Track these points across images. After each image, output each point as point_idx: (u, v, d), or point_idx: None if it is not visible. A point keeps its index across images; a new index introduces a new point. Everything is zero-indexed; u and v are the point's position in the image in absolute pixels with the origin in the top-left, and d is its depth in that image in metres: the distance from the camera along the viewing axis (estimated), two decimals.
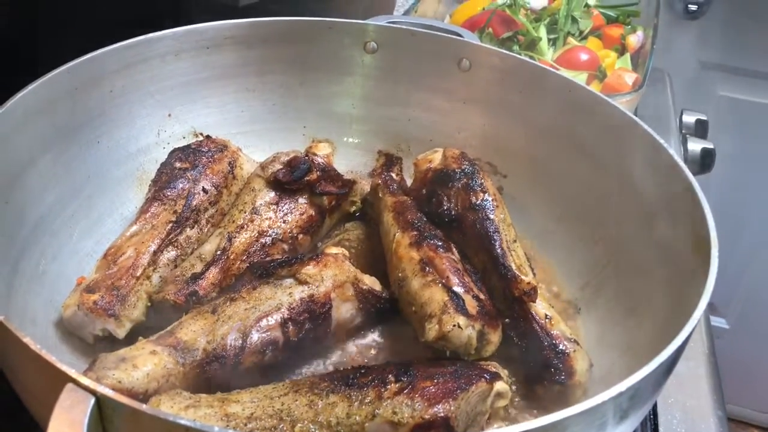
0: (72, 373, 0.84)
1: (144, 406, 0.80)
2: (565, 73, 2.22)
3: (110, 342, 1.35)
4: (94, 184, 1.58)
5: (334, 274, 1.39)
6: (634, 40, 2.48)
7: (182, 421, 0.80)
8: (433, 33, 1.79)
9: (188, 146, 1.63)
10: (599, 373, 1.39)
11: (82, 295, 1.34)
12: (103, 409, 0.84)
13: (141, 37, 1.59)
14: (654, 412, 1.50)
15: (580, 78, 2.21)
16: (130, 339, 1.31)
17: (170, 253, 1.47)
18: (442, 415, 1.11)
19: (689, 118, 2.63)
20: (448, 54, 1.79)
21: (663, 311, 1.34)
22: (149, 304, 1.39)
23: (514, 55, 1.74)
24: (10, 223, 1.33)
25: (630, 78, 2.19)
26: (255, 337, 1.28)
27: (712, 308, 3.72)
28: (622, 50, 2.53)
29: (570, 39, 2.54)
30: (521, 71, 1.73)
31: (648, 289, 1.42)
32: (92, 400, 0.82)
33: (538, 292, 1.42)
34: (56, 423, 0.80)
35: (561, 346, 1.34)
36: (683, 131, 2.64)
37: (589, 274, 1.58)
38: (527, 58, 1.74)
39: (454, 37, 1.79)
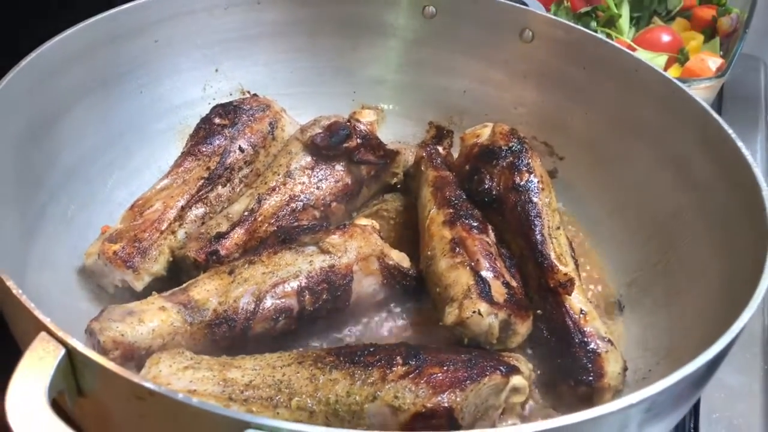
0: (47, 321, 0.81)
1: (111, 364, 0.77)
2: (642, 54, 2.06)
3: (130, 293, 1.33)
4: (133, 135, 1.57)
5: (359, 246, 1.33)
6: (727, 22, 2.27)
7: (147, 384, 0.76)
8: (495, 0, 1.68)
9: (230, 103, 1.59)
10: (635, 377, 1.28)
11: (104, 244, 1.33)
12: (74, 361, 0.81)
13: None
14: (695, 427, 1.38)
15: (658, 60, 2.05)
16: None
17: (198, 210, 1.44)
18: (445, 405, 1.04)
19: None
20: (511, 23, 1.68)
21: (713, 319, 1.22)
22: (171, 259, 1.37)
23: (580, 27, 1.62)
24: (40, 166, 1.33)
25: (714, 63, 2.01)
26: (269, 302, 1.24)
27: None
28: (712, 33, 2.32)
29: (656, 18, 2.35)
30: (586, 46, 1.60)
31: (699, 293, 1.29)
32: (62, 351, 0.79)
33: (577, 284, 1.32)
34: (24, 368, 0.78)
35: (592, 345, 1.24)
36: None
37: (638, 271, 1.46)
38: (593, 32, 1.61)
39: (518, 5, 1.68)
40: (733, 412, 1.41)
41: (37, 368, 0.77)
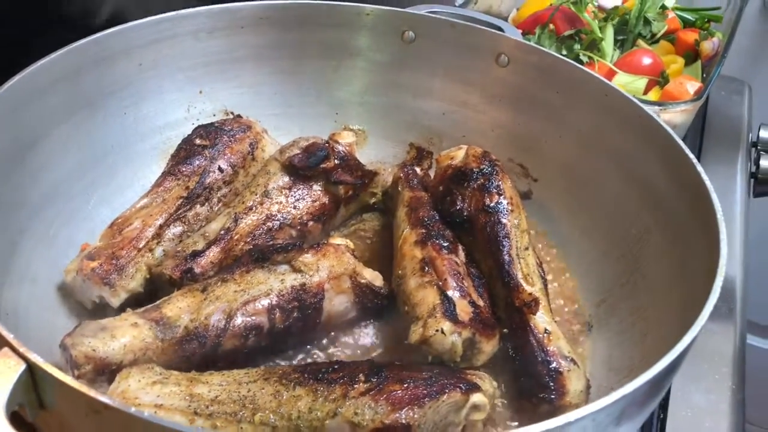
0: (10, 337, 0.85)
1: (67, 379, 0.80)
2: (622, 77, 2.11)
3: (108, 309, 1.37)
4: (117, 154, 1.61)
5: (331, 265, 1.36)
6: (709, 46, 2.31)
7: (102, 399, 0.79)
8: (472, 25, 1.72)
9: (212, 124, 1.64)
10: (598, 395, 1.30)
11: (83, 261, 1.36)
12: (35, 376, 0.84)
13: (172, 12, 1.60)
14: None
15: (638, 83, 2.09)
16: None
17: (176, 229, 1.48)
18: (403, 421, 1.07)
19: None
20: (487, 48, 1.72)
21: (671, 340, 1.25)
22: (148, 276, 1.40)
23: (554, 53, 1.66)
24: (23, 184, 1.37)
25: (692, 87, 2.05)
26: (239, 320, 1.27)
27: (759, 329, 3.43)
28: (694, 57, 2.37)
29: (640, 41, 2.40)
30: (560, 71, 1.64)
31: (661, 313, 1.32)
32: (23, 366, 0.83)
33: (543, 304, 1.35)
34: None
35: (554, 364, 1.27)
36: (759, 147, 2.45)
37: (607, 291, 1.49)
38: (565, 58, 1.65)
39: (494, 31, 1.72)
40: (699, 431, 1.43)
41: None
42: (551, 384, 1.25)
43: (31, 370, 0.83)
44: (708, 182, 1.27)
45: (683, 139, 1.42)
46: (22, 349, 0.83)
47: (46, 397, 0.85)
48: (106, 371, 1.17)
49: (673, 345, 1.02)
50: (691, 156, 1.33)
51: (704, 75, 2.27)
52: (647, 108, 1.48)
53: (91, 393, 0.79)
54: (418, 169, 1.68)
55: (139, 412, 0.78)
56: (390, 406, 1.08)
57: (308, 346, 1.37)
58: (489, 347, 1.29)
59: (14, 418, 0.83)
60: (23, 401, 0.85)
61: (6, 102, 1.31)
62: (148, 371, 1.15)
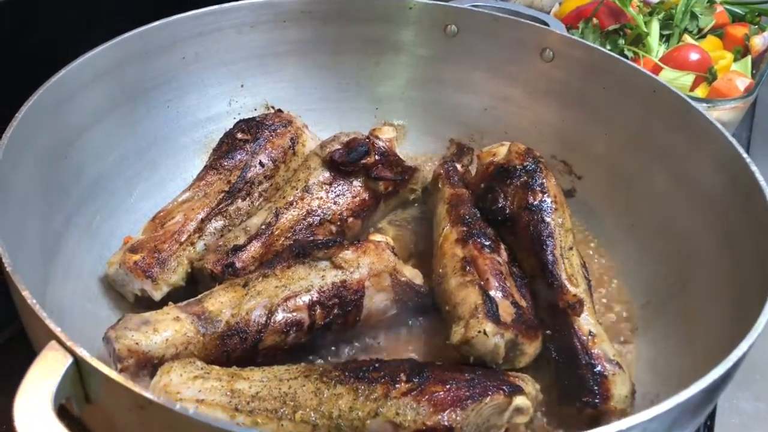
0: (57, 331, 0.85)
1: (113, 374, 0.80)
2: (668, 73, 2.05)
3: (150, 302, 1.38)
4: (159, 148, 1.62)
5: (371, 262, 1.35)
6: (759, 42, 2.24)
7: (147, 395, 0.79)
8: (516, 19, 1.69)
9: (253, 118, 1.63)
10: (644, 401, 1.28)
11: (125, 254, 1.37)
12: (81, 370, 0.84)
13: (216, 6, 1.61)
14: None
15: (685, 80, 2.03)
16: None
17: (218, 223, 1.48)
18: (445, 423, 1.05)
19: None
20: (531, 42, 1.69)
21: (722, 347, 1.21)
22: (190, 270, 1.41)
23: (600, 48, 1.62)
24: (68, 178, 1.38)
25: (743, 83, 1.99)
26: (280, 316, 1.27)
27: None
28: (744, 52, 2.29)
29: (686, 36, 2.33)
30: (606, 66, 1.61)
31: (711, 318, 1.29)
32: (70, 360, 0.83)
33: (587, 306, 1.32)
34: (32, 375, 0.82)
35: (599, 367, 1.24)
36: None
37: (654, 292, 1.46)
38: (612, 53, 1.61)
39: (539, 25, 1.69)
40: None
41: (45, 376, 0.81)
42: (595, 388, 1.23)
43: (78, 364, 0.84)
44: (763, 182, 1.23)
45: None
46: (69, 343, 0.83)
47: (91, 391, 0.85)
48: (148, 365, 1.17)
49: (727, 352, 0.99)
50: (745, 155, 1.29)
51: (754, 71, 2.20)
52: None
53: (136, 388, 0.79)
54: (458, 166, 1.66)
55: (184, 409, 0.78)
56: (432, 408, 1.07)
57: (347, 344, 1.36)
58: (531, 349, 1.27)
59: (61, 411, 0.84)
60: (70, 395, 0.85)
61: (51, 96, 1.32)
62: (189, 365, 1.15)
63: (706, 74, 2.10)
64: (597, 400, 1.22)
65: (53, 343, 0.84)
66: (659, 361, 1.35)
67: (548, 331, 1.32)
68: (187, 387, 1.11)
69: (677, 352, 1.32)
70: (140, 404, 0.80)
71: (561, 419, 1.27)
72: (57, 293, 1.26)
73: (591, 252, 1.59)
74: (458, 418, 1.06)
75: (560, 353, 1.29)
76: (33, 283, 1.00)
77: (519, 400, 1.14)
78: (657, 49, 2.23)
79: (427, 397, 1.08)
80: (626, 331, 1.44)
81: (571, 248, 1.41)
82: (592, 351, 1.26)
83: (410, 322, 1.41)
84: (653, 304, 1.45)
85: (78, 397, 0.86)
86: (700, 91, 2.06)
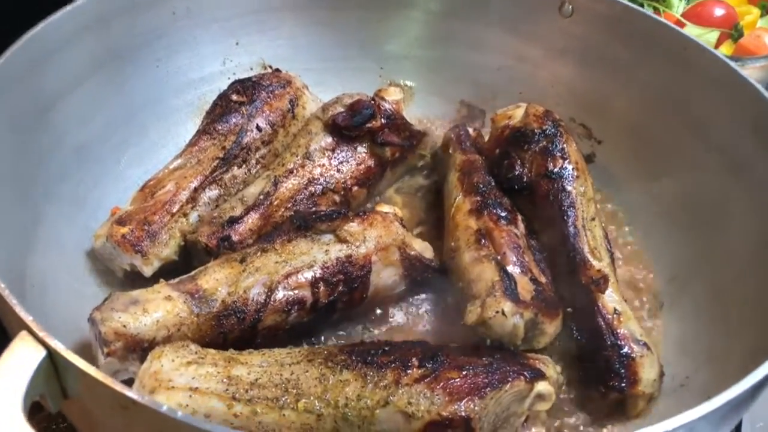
0: (28, 320, 0.75)
1: (92, 370, 0.71)
2: (691, 30, 1.93)
3: (140, 278, 1.28)
4: (148, 111, 1.51)
5: (379, 235, 1.25)
6: None
7: (131, 395, 0.69)
8: None
9: (249, 79, 1.51)
10: (672, 384, 1.19)
11: (113, 226, 1.27)
12: (57, 365, 0.75)
13: None
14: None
15: (709, 37, 1.91)
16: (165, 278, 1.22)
17: (212, 192, 1.37)
18: (462, 414, 0.96)
19: None
20: None
21: (761, 323, 1.12)
22: (182, 243, 1.31)
23: (623, 1, 1.49)
24: (48, 144, 1.27)
25: None
26: (280, 293, 1.17)
27: None
28: None
29: None
30: (631, 21, 1.48)
31: (745, 295, 1.19)
32: (43, 354, 0.73)
33: (611, 281, 1.23)
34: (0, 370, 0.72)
35: (626, 349, 1.15)
36: None
37: (680, 265, 1.36)
38: (637, 6, 1.48)
39: None
40: None
41: (14, 372, 0.71)
42: (622, 371, 1.14)
43: (52, 357, 0.74)
44: None
45: None
46: (41, 334, 0.74)
47: (68, 387, 0.76)
48: (137, 349, 1.08)
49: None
50: None
51: None
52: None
53: (118, 387, 0.70)
54: (470, 130, 1.55)
55: (172, 411, 0.68)
56: (448, 396, 0.98)
57: (352, 322, 1.27)
58: (552, 328, 1.18)
59: (35, 408, 0.75)
60: (44, 391, 0.75)
61: (26, 54, 1.20)
62: (182, 350, 1.06)
63: (732, 31, 1.98)
64: (624, 384, 1.13)
65: (24, 334, 0.74)
66: (688, 340, 1.26)
67: (569, 309, 1.22)
68: (179, 374, 1.01)
69: (708, 330, 1.23)
70: (123, 404, 0.71)
71: (582, 403, 1.18)
72: (38, 271, 1.16)
73: (611, 222, 1.49)
74: (476, 407, 0.97)
75: (583, 333, 1.20)
76: (7, 260, 0.90)
77: (541, 386, 1.05)
78: (678, 4, 2.10)
79: (441, 384, 0.99)
80: (651, 307, 1.35)
81: (593, 219, 1.31)
82: (618, 330, 1.17)
83: (420, 298, 1.31)
84: (680, 278, 1.36)
85: (53, 392, 0.77)
86: (725, 49, 1.95)
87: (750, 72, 1.70)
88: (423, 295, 1.31)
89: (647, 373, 1.14)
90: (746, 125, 1.29)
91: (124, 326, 1.07)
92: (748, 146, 1.28)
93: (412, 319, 1.28)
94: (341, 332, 1.25)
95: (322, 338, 1.24)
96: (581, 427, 1.16)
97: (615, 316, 1.18)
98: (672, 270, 1.37)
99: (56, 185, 1.28)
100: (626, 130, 1.54)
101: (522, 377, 1.03)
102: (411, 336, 1.24)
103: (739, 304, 1.21)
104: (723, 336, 1.20)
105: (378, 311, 1.28)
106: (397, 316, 1.28)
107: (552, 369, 1.12)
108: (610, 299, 1.20)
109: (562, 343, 1.21)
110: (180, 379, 1.01)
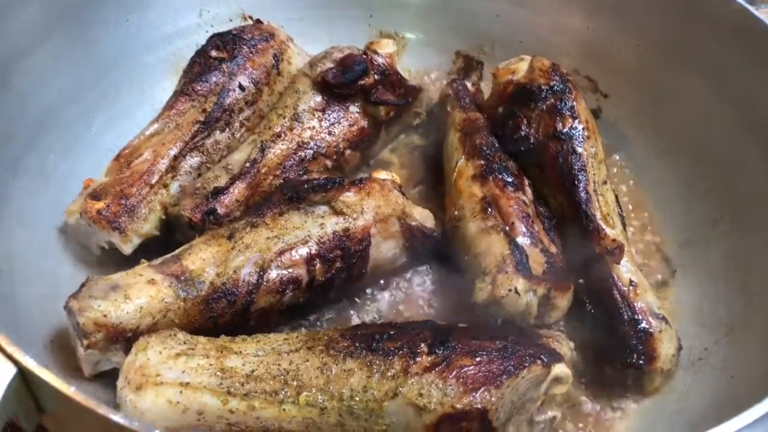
0: None
1: (70, 391, 0.62)
2: None
3: (118, 256, 1.18)
4: (120, 71, 1.38)
5: (377, 205, 1.16)
6: None
7: (117, 419, 0.61)
8: None
9: (229, 32, 1.39)
10: (689, 357, 1.14)
11: (86, 201, 1.16)
12: (29, 382, 0.66)
13: None
14: None
15: None
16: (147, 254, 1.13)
17: (194, 159, 1.27)
18: (478, 405, 0.89)
19: None
20: None
21: None
22: (164, 217, 1.21)
23: None
24: (11, 110, 1.16)
25: None
26: (273, 273, 1.08)
27: None
28: None
29: None
30: None
31: (766, 259, 1.12)
32: (13, 372, 0.64)
33: (626, 250, 1.15)
34: None
35: (644, 324, 1.09)
36: None
37: (694, 228, 1.30)
38: None
39: None
40: None
41: None
42: (640, 347, 1.07)
43: (24, 374, 0.65)
44: None
45: None
46: (10, 350, 0.64)
47: (44, 403, 0.67)
48: (120, 339, 0.99)
49: None
50: None
51: None
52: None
53: (101, 410, 0.61)
54: (468, 84, 1.45)
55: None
56: (462, 387, 0.90)
57: (352, 302, 1.18)
58: (564, 302, 1.11)
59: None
60: (17, 411, 0.67)
61: None
62: (169, 339, 0.97)
63: None
64: (642, 362, 1.07)
65: None
66: (703, 310, 1.20)
67: (581, 281, 1.15)
68: (168, 367, 0.93)
69: (726, 298, 1.17)
70: (107, 427, 0.62)
71: (596, 378, 1.12)
72: (5, 252, 1.07)
73: (619, 181, 1.41)
74: (492, 398, 0.90)
75: (597, 306, 1.13)
76: None
77: (558, 369, 0.98)
78: None
79: (454, 373, 0.91)
80: (663, 274, 1.28)
81: (605, 182, 1.23)
82: (635, 304, 1.10)
83: (421, 271, 1.23)
84: (693, 242, 1.29)
85: (28, 411, 0.68)
86: None
87: (765, 15, 1.60)
88: (423, 267, 1.23)
89: (666, 348, 1.08)
90: (764, 74, 1.20)
91: (105, 315, 0.98)
92: (764, 97, 1.19)
93: (414, 292, 1.20)
94: (340, 313, 1.17)
95: (320, 321, 1.15)
96: (597, 408, 1.10)
97: (631, 288, 1.11)
98: (684, 233, 1.31)
99: (24, 157, 1.17)
100: (635, 82, 1.45)
101: (539, 361, 0.95)
102: (414, 312, 1.17)
103: (759, 271, 1.15)
104: (742, 306, 1.14)
105: (378, 287, 1.20)
106: (399, 291, 1.20)
107: (566, 346, 1.05)
108: (626, 270, 1.14)
109: (574, 317, 1.14)
110: (169, 374, 0.93)
